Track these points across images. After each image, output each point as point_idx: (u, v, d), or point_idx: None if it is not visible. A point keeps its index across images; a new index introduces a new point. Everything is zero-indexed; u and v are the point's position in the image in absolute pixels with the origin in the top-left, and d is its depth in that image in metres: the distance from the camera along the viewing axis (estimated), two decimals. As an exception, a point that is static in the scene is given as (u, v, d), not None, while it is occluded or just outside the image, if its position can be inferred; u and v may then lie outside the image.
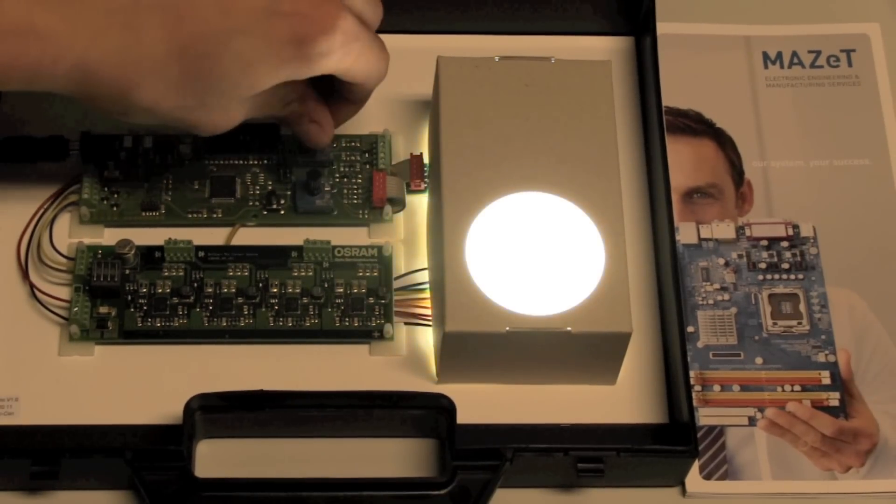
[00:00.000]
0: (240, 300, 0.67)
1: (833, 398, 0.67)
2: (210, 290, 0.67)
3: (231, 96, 0.61)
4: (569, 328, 0.62)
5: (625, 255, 0.64)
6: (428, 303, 0.68)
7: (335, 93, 0.66)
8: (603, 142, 0.66)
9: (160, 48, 0.58)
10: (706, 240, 0.71)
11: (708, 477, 0.66)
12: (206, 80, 0.60)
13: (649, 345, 0.68)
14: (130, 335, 0.66)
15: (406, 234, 0.69)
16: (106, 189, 0.69)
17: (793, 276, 0.70)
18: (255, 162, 0.70)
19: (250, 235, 0.69)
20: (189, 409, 0.62)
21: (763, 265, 0.70)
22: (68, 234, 0.68)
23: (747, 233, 0.71)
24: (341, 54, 0.61)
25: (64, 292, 0.67)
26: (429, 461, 0.65)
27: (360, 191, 0.70)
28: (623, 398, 0.66)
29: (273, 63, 0.60)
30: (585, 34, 0.75)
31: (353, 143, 0.71)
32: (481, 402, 0.65)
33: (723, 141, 0.74)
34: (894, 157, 0.73)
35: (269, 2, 0.59)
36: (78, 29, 0.57)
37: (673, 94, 0.74)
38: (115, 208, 0.69)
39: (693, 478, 0.65)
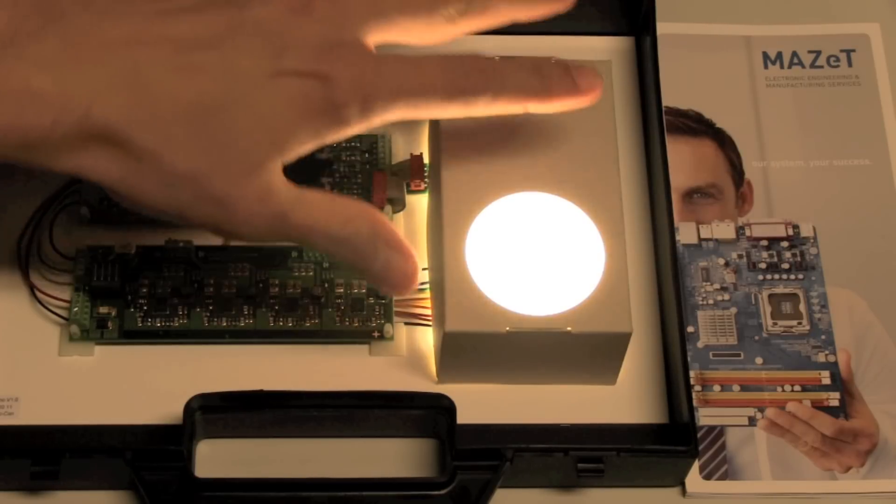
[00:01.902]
0: (240, 300, 0.67)
1: (833, 398, 0.67)
2: (210, 290, 0.67)
3: (252, 158, 0.56)
4: (569, 328, 0.62)
5: (625, 255, 0.64)
6: (428, 303, 0.68)
7: None
8: (603, 142, 0.66)
9: (167, 106, 0.55)
10: (706, 240, 0.71)
11: (708, 477, 0.66)
12: (220, 137, 0.56)
13: (649, 345, 0.68)
14: (130, 335, 0.66)
15: (406, 234, 0.69)
16: (106, 189, 0.69)
17: (793, 276, 0.70)
18: (255, 162, 0.70)
19: (250, 235, 0.69)
20: (189, 409, 0.62)
21: (763, 265, 0.70)
22: (68, 234, 0.68)
23: (747, 233, 0.71)
24: (364, 109, 0.57)
25: (64, 292, 0.67)
26: (429, 461, 0.65)
27: (360, 191, 0.70)
28: (623, 398, 0.66)
29: (289, 120, 0.56)
30: (585, 34, 0.75)
31: (353, 143, 0.71)
32: (481, 402, 0.65)
33: (723, 141, 0.74)
34: (894, 157, 0.73)
35: (274, 60, 0.56)
36: (77, 90, 0.54)
37: (673, 94, 0.74)
38: (115, 208, 0.69)
39: (693, 478, 0.65)
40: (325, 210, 0.58)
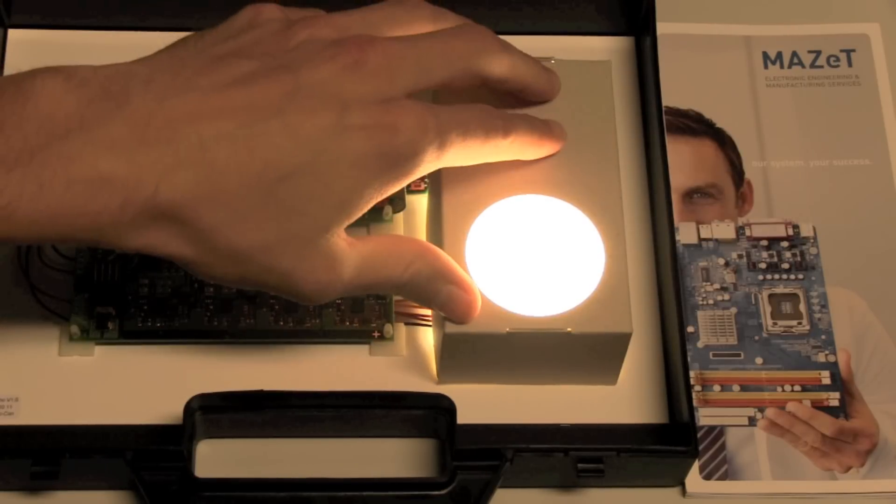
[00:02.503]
0: (240, 300, 0.67)
1: (833, 398, 0.67)
2: (210, 290, 0.67)
3: (319, 224, 0.57)
4: (569, 329, 0.62)
5: (625, 256, 0.64)
6: (428, 303, 0.68)
7: None
8: (603, 142, 0.66)
9: (233, 180, 0.55)
10: (706, 240, 0.71)
11: (708, 477, 0.66)
12: (287, 207, 0.56)
13: (649, 345, 0.68)
14: (130, 335, 0.66)
15: (406, 234, 0.69)
16: (106, 189, 0.69)
17: (793, 276, 0.70)
18: (255, 162, 0.70)
19: (250, 235, 0.69)
20: (189, 409, 0.62)
21: (763, 265, 0.70)
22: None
23: (747, 233, 0.71)
24: (434, 148, 0.58)
25: (64, 292, 0.67)
26: (429, 461, 0.65)
27: (360, 191, 0.70)
28: (623, 398, 0.66)
29: (355, 179, 0.57)
30: (585, 34, 0.75)
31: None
32: (481, 402, 0.65)
33: (723, 141, 0.74)
34: (894, 157, 0.73)
35: (337, 118, 0.56)
36: (144, 171, 0.54)
37: (673, 94, 0.74)
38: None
39: (693, 478, 0.65)
40: (385, 261, 0.60)
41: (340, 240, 0.58)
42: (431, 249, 0.62)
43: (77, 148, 0.53)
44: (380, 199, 0.58)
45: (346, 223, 0.58)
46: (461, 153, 0.60)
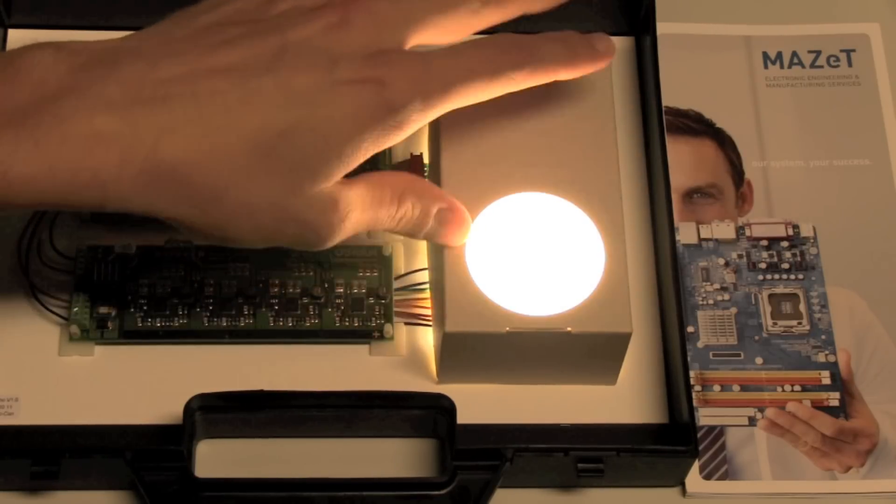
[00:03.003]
0: (240, 300, 0.67)
1: (833, 398, 0.67)
2: (210, 290, 0.67)
3: (323, 175, 0.57)
4: (569, 328, 0.62)
5: (625, 255, 0.64)
6: (428, 303, 0.68)
7: None
8: (603, 142, 0.66)
9: (233, 137, 0.55)
10: (706, 240, 0.71)
11: (708, 477, 0.66)
12: (289, 161, 0.56)
13: (649, 345, 0.68)
14: (130, 335, 0.66)
15: (406, 234, 0.70)
16: (106, 189, 0.69)
17: (793, 276, 0.70)
18: (255, 162, 0.70)
19: (250, 235, 0.69)
20: (189, 409, 0.62)
21: (763, 265, 0.70)
22: (68, 234, 0.68)
23: (747, 233, 0.71)
24: (420, 101, 0.58)
25: (64, 292, 0.67)
26: (429, 461, 0.65)
27: (360, 191, 0.70)
28: (623, 398, 0.66)
29: (351, 131, 0.57)
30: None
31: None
32: (481, 402, 0.65)
33: (723, 141, 0.74)
34: (894, 157, 0.73)
35: (327, 74, 0.56)
36: (142, 128, 0.54)
37: (673, 94, 0.74)
38: (114, 208, 0.69)
39: (693, 478, 0.65)
40: (380, 197, 0.60)
41: (339, 183, 0.58)
42: (418, 178, 0.62)
43: (71, 107, 0.54)
44: (380, 148, 0.58)
45: (348, 171, 0.58)
46: (462, 100, 0.60)
